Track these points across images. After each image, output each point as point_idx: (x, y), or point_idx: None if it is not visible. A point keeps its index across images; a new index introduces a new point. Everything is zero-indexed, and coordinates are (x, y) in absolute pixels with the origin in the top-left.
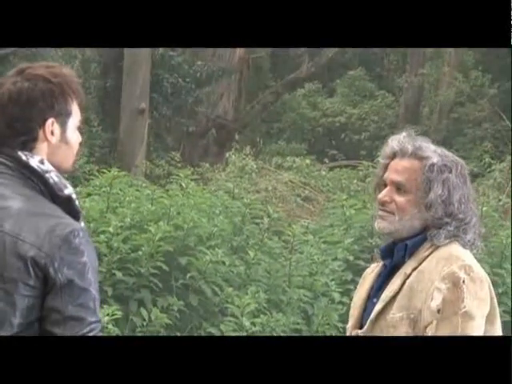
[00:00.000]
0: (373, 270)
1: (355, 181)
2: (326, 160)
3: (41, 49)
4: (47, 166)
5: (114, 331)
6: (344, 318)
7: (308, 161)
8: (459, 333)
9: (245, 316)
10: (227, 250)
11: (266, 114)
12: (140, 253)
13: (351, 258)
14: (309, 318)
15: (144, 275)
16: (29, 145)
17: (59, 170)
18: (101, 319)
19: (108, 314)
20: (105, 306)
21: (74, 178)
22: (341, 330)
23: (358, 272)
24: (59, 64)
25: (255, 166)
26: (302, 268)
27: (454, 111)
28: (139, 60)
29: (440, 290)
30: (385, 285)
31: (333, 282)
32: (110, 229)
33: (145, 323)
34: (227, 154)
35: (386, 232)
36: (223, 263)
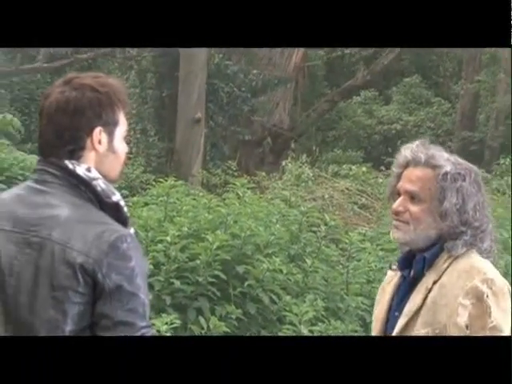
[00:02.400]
0: (391, 280)
1: None
2: (383, 167)
3: (97, 59)
4: (94, 174)
5: None
6: None
7: (364, 168)
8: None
9: (303, 324)
10: (284, 258)
11: (321, 122)
12: (198, 261)
13: None
14: (367, 326)
15: (202, 284)
16: (76, 154)
17: (106, 179)
18: (151, 325)
19: (167, 323)
20: (163, 315)
21: (131, 188)
22: None
23: None
24: (106, 74)
25: (311, 174)
26: (359, 275)
27: (510, 117)
28: (195, 69)
29: (465, 307)
30: (406, 298)
31: None
32: (168, 238)
33: (203, 332)
34: (283, 163)
35: (401, 242)
36: (281, 271)
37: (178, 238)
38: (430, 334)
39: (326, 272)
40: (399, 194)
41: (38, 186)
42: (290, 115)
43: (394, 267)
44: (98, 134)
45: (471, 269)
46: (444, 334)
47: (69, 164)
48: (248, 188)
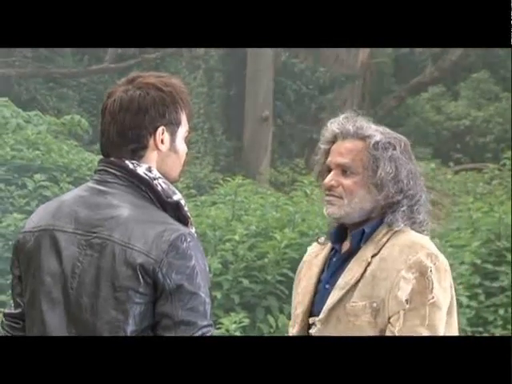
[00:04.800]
0: (318, 253)
1: (481, 184)
2: (452, 163)
3: (165, 59)
4: (155, 173)
5: None
6: (472, 322)
7: (433, 165)
8: (427, 323)
9: None
10: None
11: (389, 119)
12: (266, 260)
13: (478, 261)
14: None
15: (270, 282)
16: (138, 153)
17: (167, 178)
18: (213, 323)
19: (235, 322)
20: (232, 314)
21: (199, 187)
22: (469, 334)
23: (486, 276)
24: (173, 74)
25: None
26: None
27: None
28: (262, 68)
29: (407, 280)
30: (340, 271)
31: (460, 286)
32: (236, 237)
33: (272, 330)
34: None
35: (336, 217)
36: None
37: (246, 236)
38: (367, 307)
39: None
40: (329, 170)
41: (99, 187)
42: (358, 112)
43: (321, 240)
44: (161, 133)
45: (414, 244)
46: (381, 309)
47: (129, 164)
48: (316, 186)
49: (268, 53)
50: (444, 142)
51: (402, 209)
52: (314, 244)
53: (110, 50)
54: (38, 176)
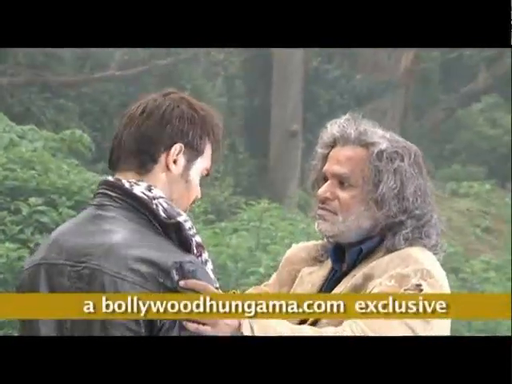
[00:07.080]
0: (311, 272)
1: None
2: (509, 185)
3: (178, 65)
4: (155, 193)
5: None
6: None
7: (488, 186)
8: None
9: None
10: None
11: (437, 133)
12: None
13: None
14: None
15: None
16: (146, 165)
17: None
18: None
19: None
20: None
21: (218, 212)
22: None
23: None
24: (188, 81)
25: None
26: None
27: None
28: (290, 75)
29: (380, 287)
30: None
31: None
32: (261, 269)
33: None
34: None
35: (328, 235)
36: None
37: (273, 269)
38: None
39: None
40: (326, 179)
41: (95, 212)
42: (400, 125)
43: (322, 257)
44: (177, 151)
45: (408, 257)
46: None
47: (125, 183)
48: None
49: (297, 58)
50: (500, 160)
51: (405, 231)
52: (302, 246)
53: (116, 56)
54: (33, 199)
